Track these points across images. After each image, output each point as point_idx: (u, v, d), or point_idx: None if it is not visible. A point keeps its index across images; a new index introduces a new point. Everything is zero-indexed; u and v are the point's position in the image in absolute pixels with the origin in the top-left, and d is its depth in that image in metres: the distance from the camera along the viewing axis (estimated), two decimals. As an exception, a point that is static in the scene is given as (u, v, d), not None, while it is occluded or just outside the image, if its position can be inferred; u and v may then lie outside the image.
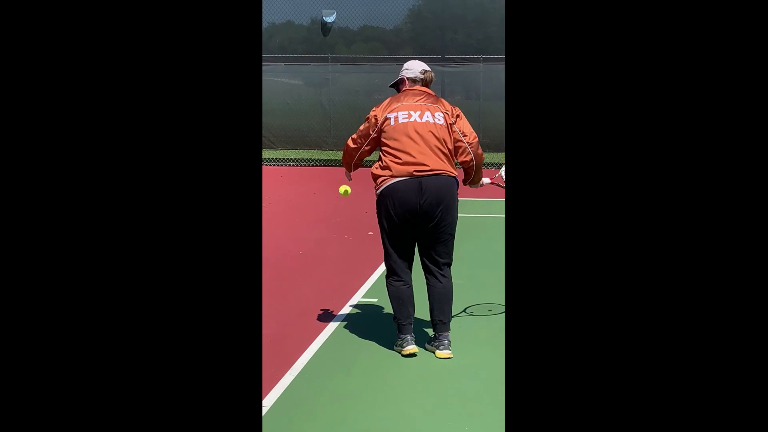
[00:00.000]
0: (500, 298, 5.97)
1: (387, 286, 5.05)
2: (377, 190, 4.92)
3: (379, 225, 5.02)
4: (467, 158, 4.97)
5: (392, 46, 15.38)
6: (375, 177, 4.94)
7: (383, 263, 7.42)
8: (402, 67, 5.21)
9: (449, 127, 4.87)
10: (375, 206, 5.00)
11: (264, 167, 13.64)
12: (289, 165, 15.31)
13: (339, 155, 14.84)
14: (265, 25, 14.88)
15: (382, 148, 4.94)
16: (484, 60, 14.71)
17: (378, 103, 5.04)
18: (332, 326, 5.54)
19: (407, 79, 5.09)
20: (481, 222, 9.70)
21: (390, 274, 5.02)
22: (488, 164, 14.57)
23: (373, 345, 5.18)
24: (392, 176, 4.81)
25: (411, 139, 4.80)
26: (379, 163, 4.93)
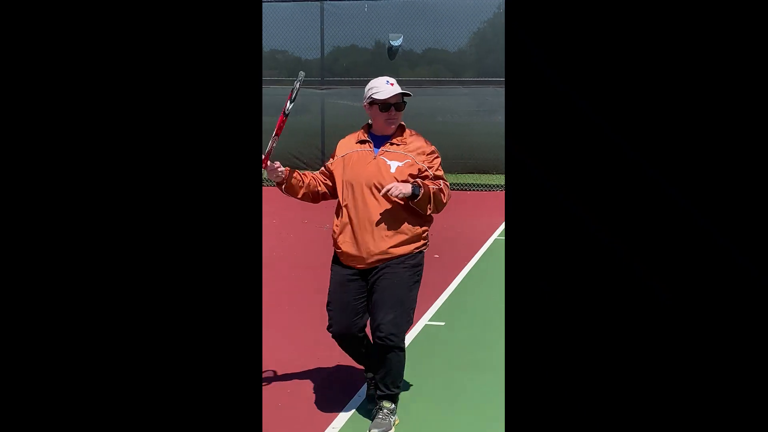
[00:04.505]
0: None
1: (402, 350, 4.21)
2: (426, 245, 4.34)
3: (418, 283, 4.32)
4: None
5: (455, 69, 15.43)
6: (424, 232, 4.31)
7: (449, 287, 7.44)
8: (393, 83, 4.24)
9: None
10: (418, 263, 4.28)
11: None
12: (355, 187, 15.36)
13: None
14: (329, 48, 15.08)
15: None
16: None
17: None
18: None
19: None
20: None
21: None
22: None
23: (440, 367, 5.19)
24: None
25: None
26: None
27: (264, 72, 14.94)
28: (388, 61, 15.07)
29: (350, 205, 4.15)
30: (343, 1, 15.16)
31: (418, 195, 4.02)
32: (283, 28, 14.83)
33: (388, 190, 3.97)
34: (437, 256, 8.63)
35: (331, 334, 4.32)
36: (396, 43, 15.11)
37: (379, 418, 4.19)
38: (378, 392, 4.24)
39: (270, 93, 15.05)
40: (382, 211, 4.09)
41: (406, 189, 3.98)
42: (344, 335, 4.27)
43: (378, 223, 4.09)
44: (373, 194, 4.10)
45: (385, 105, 4.16)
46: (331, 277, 4.30)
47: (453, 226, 10.30)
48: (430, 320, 6.29)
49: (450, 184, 4.30)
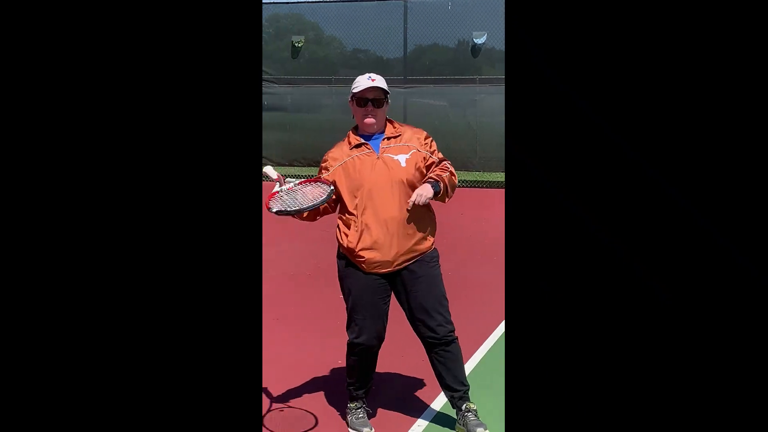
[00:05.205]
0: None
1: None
2: None
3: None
4: None
5: (539, 66, 15.19)
6: (435, 224, 4.30)
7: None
8: (375, 79, 4.11)
9: None
10: (438, 255, 4.28)
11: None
12: (438, 186, 15.34)
13: (485, 176, 14.82)
14: (411, 47, 15.09)
15: None
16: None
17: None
18: (480, 353, 5.51)
19: None
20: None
21: None
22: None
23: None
24: None
25: None
26: None
27: (344, 71, 15.06)
28: (470, 59, 14.98)
29: (368, 211, 4.05)
30: (427, -1, 15.15)
31: (440, 191, 4.01)
32: (365, 27, 14.90)
33: (415, 201, 3.94)
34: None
35: (355, 347, 4.24)
36: (480, 41, 15.03)
37: (474, 419, 4.16)
38: (455, 394, 4.23)
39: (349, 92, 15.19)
40: (402, 212, 4.03)
41: (428, 192, 3.96)
42: (373, 346, 4.23)
43: (401, 224, 4.03)
44: (392, 195, 4.03)
45: (361, 100, 4.07)
46: (349, 286, 4.20)
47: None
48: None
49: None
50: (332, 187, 3.98)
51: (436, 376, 4.27)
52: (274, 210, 3.89)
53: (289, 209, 3.89)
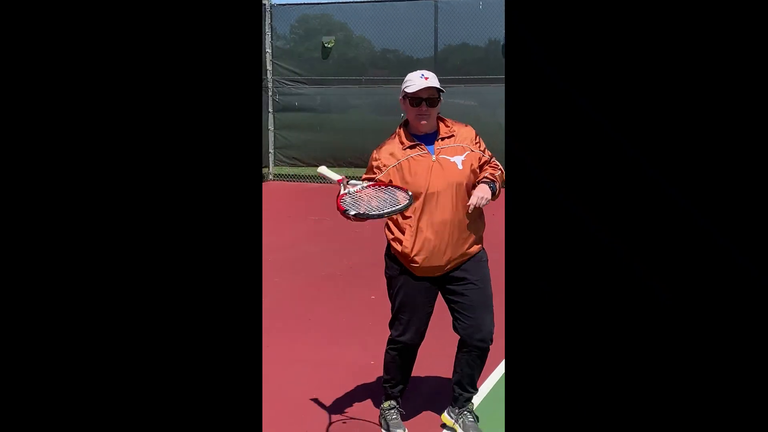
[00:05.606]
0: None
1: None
2: None
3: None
4: None
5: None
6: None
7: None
8: (429, 77, 3.96)
9: None
10: (487, 257, 4.23)
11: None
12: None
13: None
14: (441, 47, 15.03)
15: None
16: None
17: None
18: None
19: None
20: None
21: None
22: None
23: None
24: None
25: None
26: None
27: (373, 72, 15.07)
28: (500, 59, 14.82)
29: (424, 216, 3.95)
30: (458, -1, 15.06)
31: (496, 191, 3.94)
32: (395, 27, 14.83)
33: (476, 204, 3.86)
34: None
35: (397, 344, 4.26)
36: (510, 39, 14.91)
37: (471, 421, 4.26)
38: (465, 393, 4.28)
39: (380, 93, 15.18)
40: (458, 215, 3.96)
41: (488, 194, 3.88)
42: (416, 344, 4.24)
43: (456, 228, 3.96)
44: (448, 199, 3.94)
45: (415, 99, 3.93)
46: (399, 285, 4.14)
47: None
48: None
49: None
50: (411, 194, 3.81)
51: (454, 371, 4.28)
52: (352, 213, 3.69)
53: (370, 213, 3.70)
